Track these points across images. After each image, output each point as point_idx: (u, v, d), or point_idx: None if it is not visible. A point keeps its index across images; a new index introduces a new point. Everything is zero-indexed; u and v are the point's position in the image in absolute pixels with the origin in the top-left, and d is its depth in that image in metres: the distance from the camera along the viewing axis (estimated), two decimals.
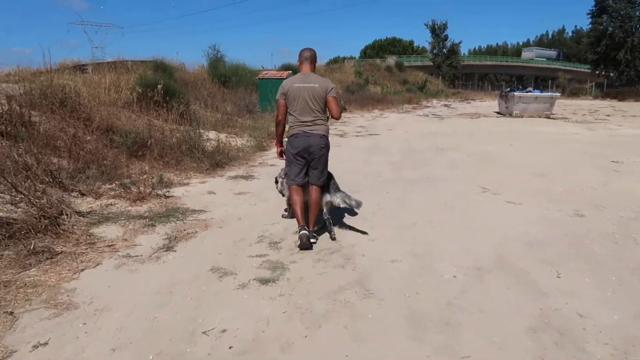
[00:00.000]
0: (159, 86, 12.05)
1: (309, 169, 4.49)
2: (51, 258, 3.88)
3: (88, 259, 4.00)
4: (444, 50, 56.90)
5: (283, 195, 5.29)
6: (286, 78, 18.76)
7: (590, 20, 49.04)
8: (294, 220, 4.75)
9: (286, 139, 4.65)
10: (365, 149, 10.84)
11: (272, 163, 9.02)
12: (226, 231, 4.81)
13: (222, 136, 11.91)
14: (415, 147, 11.02)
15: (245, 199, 6.15)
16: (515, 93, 20.38)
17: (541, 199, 6.00)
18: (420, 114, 23.00)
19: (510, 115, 20.59)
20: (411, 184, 7.04)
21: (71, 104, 9.17)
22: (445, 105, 31.02)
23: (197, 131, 9.20)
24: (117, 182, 6.19)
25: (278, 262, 4.00)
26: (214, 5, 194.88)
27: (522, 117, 20.06)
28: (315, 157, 4.42)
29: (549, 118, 19.73)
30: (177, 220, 5.08)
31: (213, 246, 4.41)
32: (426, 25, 56.51)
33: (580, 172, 7.67)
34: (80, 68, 16.89)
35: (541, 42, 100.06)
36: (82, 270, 3.79)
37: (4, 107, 7.26)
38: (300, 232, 4.28)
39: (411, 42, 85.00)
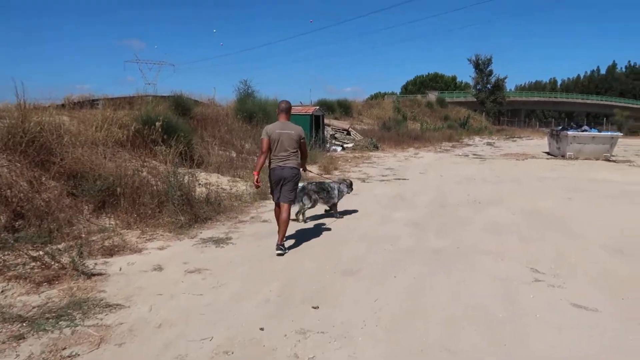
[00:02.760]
0: (158, 123, 10.70)
1: (282, 189, 5.67)
2: None
3: None
4: (488, 85, 54.62)
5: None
6: (312, 114, 17.43)
7: None
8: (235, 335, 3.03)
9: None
10: (387, 200, 9.02)
11: (265, 219, 7.34)
12: (122, 356, 3.09)
13: (224, 180, 10.42)
14: (448, 198, 9.09)
15: (194, 283, 4.44)
16: (568, 132, 18.08)
17: (627, 302, 3.99)
18: (459, 154, 20.95)
19: (563, 157, 18.25)
20: (434, 260, 5.15)
21: (40, 144, 7.87)
22: (489, 144, 28.76)
23: (178, 174, 7.65)
24: (27, 253, 4.63)
25: None
26: (260, 42, 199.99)
27: (576, 159, 17.69)
28: (288, 182, 5.63)
29: (608, 161, 17.28)
30: (68, 326, 3.41)
31: None
32: (469, 60, 54.71)
33: None
34: (90, 103, 16.03)
35: (592, 78, 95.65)
36: None
37: None
38: (277, 250, 5.42)
39: (454, 78, 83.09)
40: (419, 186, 10.57)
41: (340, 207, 7.90)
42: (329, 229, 6.69)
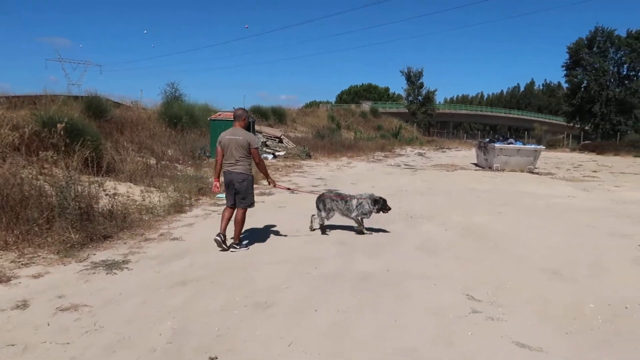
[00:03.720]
0: (60, 125, 9.42)
1: (235, 195, 5.94)
2: None
3: None
4: (419, 97, 56.07)
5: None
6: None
7: (564, 72, 48.97)
8: None
9: None
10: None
11: (176, 236, 6.44)
12: None
13: (137, 190, 9.33)
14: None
15: (62, 326, 3.50)
16: (495, 145, 18.44)
17: (572, 337, 3.54)
18: (392, 164, 20.84)
19: (490, 168, 18.57)
20: (361, 289, 4.52)
21: None
22: (420, 154, 29.12)
23: (74, 184, 6.57)
24: None
25: None
26: (195, 46, 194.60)
27: (503, 171, 18.05)
28: (237, 187, 5.88)
29: (532, 173, 17.76)
30: None
31: None
32: (402, 72, 55.88)
33: (610, 268, 5.29)
34: None
35: (514, 94, 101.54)
36: None
37: None
38: (216, 236, 5.83)
39: (387, 89, 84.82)
40: None
41: (263, 222, 7.16)
42: (246, 248, 5.91)
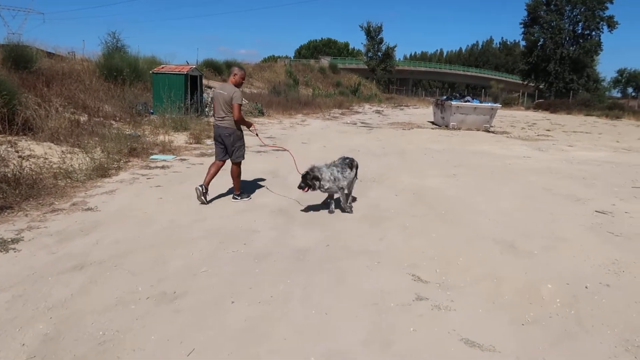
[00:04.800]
0: None
1: (227, 150, 6.02)
2: None
3: None
4: (379, 53, 55.04)
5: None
6: (187, 73, 15.32)
7: (522, 30, 48.91)
8: None
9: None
10: (258, 177, 7.65)
11: (92, 206, 5.59)
12: None
13: (58, 151, 8.29)
14: None
15: None
16: (452, 102, 18.01)
17: (527, 330, 3.06)
18: (348, 122, 20.18)
19: (447, 127, 18.24)
20: (292, 269, 3.90)
21: None
22: (377, 112, 28.58)
23: None
24: None
25: None
26: None
27: (459, 129, 17.75)
28: (226, 142, 5.97)
29: (488, 132, 17.55)
30: None
31: None
32: (361, 27, 54.45)
33: (567, 238, 4.88)
34: None
35: (472, 52, 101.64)
36: None
37: None
38: (198, 185, 5.92)
39: (347, 44, 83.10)
40: (298, 159, 9.30)
41: (189, 188, 6.39)
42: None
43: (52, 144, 8.61)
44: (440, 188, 7.14)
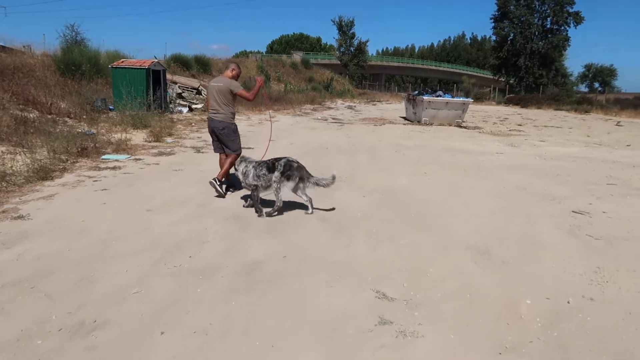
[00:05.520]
0: None
1: (221, 144, 6.11)
2: None
3: None
4: (351, 48, 54.70)
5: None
6: (149, 67, 14.55)
7: (492, 25, 49.26)
8: None
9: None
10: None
11: (24, 213, 4.97)
12: None
13: None
14: None
15: None
16: (424, 97, 17.74)
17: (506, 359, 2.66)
18: (319, 118, 19.72)
19: (419, 122, 17.97)
20: (240, 289, 3.40)
21: None
22: (350, 107, 28.21)
23: None
24: None
25: None
26: None
27: (431, 125, 17.50)
28: (220, 134, 6.02)
29: (460, 127, 17.35)
30: None
31: None
32: (333, 21, 54.11)
33: (544, 243, 4.52)
34: None
35: (444, 47, 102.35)
36: None
37: None
38: (211, 180, 5.95)
39: (319, 39, 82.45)
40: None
41: (146, 190, 5.84)
42: (110, 230, 4.57)
43: None
44: (410, 188, 6.73)
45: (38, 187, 6.18)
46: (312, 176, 5.37)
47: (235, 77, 6.11)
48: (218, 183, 5.89)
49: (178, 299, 3.20)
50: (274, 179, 5.19)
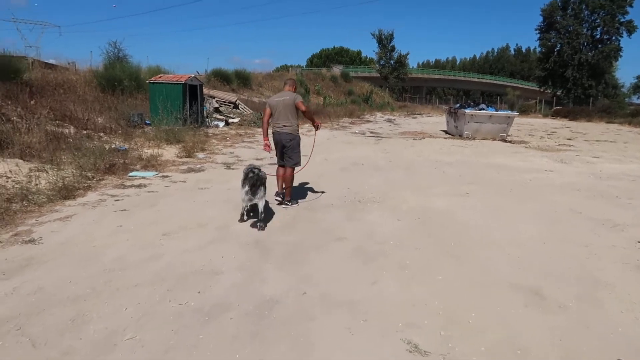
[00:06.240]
0: None
1: (284, 155, 6.24)
2: None
3: None
4: (391, 61, 54.13)
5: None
6: (185, 82, 14.55)
7: (538, 36, 47.54)
8: None
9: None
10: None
11: (34, 237, 4.73)
12: None
13: (25, 169, 7.50)
14: (321, 196, 7.03)
15: None
16: (466, 110, 16.97)
17: None
18: (356, 131, 19.24)
19: (461, 136, 17.20)
20: (246, 336, 2.96)
21: None
22: (389, 121, 27.61)
23: None
24: None
25: None
26: (160, 5, 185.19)
27: (474, 139, 16.70)
28: (285, 147, 6.18)
29: (505, 141, 16.46)
30: None
31: None
32: (373, 34, 53.70)
33: (607, 281, 3.85)
34: None
35: (487, 59, 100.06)
36: None
37: None
38: (275, 195, 6.30)
39: (359, 53, 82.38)
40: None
41: (168, 210, 5.54)
42: (120, 257, 4.24)
43: (20, 161, 7.82)
44: (450, 210, 6.15)
45: (58, 207, 5.99)
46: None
47: (295, 90, 6.47)
48: (281, 198, 6.28)
49: (175, 347, 2.79)
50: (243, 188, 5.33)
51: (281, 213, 5.95)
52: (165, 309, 3.27)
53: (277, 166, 6.55)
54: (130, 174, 8.15)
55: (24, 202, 6.09)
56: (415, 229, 5.36)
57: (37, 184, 6.89)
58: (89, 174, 7.66)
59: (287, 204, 6.24)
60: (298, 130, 6.32)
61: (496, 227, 5.44)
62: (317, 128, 6.81)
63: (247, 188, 5.15)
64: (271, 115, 6.20)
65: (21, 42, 53.79)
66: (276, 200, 6.28)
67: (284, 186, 6.31)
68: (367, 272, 4.06)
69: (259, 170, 5.29)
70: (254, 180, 5.14)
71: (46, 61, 20.12)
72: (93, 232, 4.97)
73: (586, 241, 4.94)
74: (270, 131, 6.26)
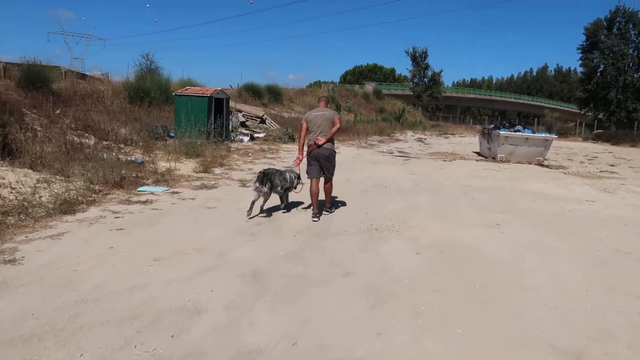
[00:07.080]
0: None
1: (322, 169, 6.47)
2: None
3: None
4: (425, 79, 53.36)
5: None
6: (211, 96, 14.34)
7: (580, 55, 45.88)
8: None
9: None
10: (250, 219, 6.27)
11: (17, 256, 4.36)
12: None
13: (33, 179, 7.25)
14: (336, 219, 6.48)
15: None
16: (500, 132, 16.15)
17: None
18: (384, 150, 18.65)
19: (494, 159, 16.36)
20: None
21: None
22: (419, 140, 26.86)
23: None
24: None
25: None
26: (199, 21, 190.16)
27: (508, 162, 15.83)
28: (325, 160, 6.41)
29: (542, 166, 15.53)
30: None
31: None
32: (407, 52, 53.14)
33: None
34: None
35: (524, 79, 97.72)
36: None
37: None
38: (313, 217, 6.35)
39: (392, 70, 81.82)
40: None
41: (166, 232, 5.11)
42: (98, 286, 3.79)
43: (30, 171, 7.60)
44: (476, 244, 5.48)
45: (54, 223, 5.64)
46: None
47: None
48: (319, 214, 6.44)
49: None
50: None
51: (290, 239, 5.43)
52: (126, 358, 2.77)
53: (310, 181, 6.52)
54: (140, 188, 7.81)
55: (22, 216, 5.79)
56: (436, 265, 4.73)
57: (40, 197, 6.61)
58: (96, 187, 7.36)
59: (329, 210, 6.72)
60: (334, 144, 6.66)
61: (530, 268, 4.75)
62: (319, 146, 6.39)
63: (257, 184, 6.26)
64: (307, 130, 6.43)
65: (68, 54, 56.02)
66: (314, 220, 6.29)
67: (324, 198, 6.64)
68: (374, 317, 3.48)
69: (268, 168, 6.55)
70: (261, 176, 6.30)
71: (79, 71, 20.47)
72: (80, 254, 4.56)
73: (638, 291, 4.20)
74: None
